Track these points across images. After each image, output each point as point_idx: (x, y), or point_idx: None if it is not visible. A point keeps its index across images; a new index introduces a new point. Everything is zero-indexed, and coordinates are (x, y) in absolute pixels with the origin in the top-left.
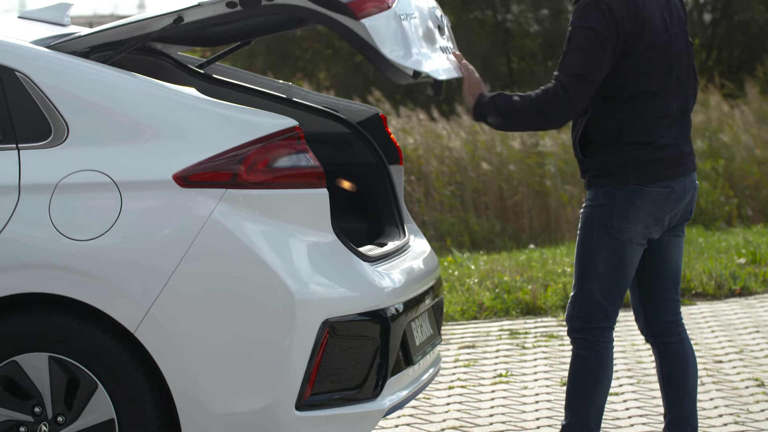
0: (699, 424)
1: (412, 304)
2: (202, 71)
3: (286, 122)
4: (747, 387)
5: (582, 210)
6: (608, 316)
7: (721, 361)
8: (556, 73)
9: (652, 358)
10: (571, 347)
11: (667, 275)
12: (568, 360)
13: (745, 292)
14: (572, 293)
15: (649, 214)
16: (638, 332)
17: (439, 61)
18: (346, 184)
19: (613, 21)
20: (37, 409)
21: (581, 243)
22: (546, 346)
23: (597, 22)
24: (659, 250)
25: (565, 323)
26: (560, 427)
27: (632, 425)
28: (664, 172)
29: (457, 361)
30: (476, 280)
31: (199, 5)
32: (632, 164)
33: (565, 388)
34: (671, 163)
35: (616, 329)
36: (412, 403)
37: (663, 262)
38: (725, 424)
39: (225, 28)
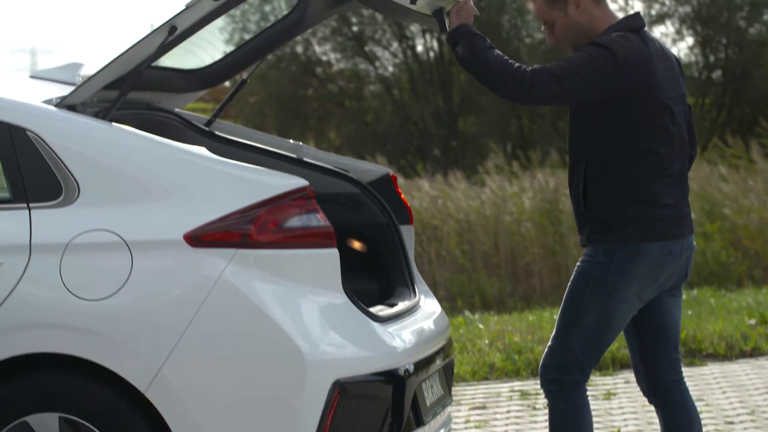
0: None
1: (422, 365)
2: (213, 131)
3: (296, 182)
4: None
5: (578, 264)
6: (583, 371)
7: (732, 423)
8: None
9: None
10: (547, 400)
11: (667, 336)
12: None
13: (756, 353)
14: (550, 343)
15: (646, 275)
16: None
17: None
18: (356, 244)
19: (610, 59)
20: None
21: (571, 296)
22: None
23: (596, 52)
24: (658, 312)
25: (539, 371)
26: None
27: None
28: (665, 232)
29: (467, 422)
30: (487, 341)
31: (187, 8)
32: (635, 221)
33: None
34: (672, 223)
35: (626, 390)
36: None
37: (662, 323)
38: None
39: (222, 64)
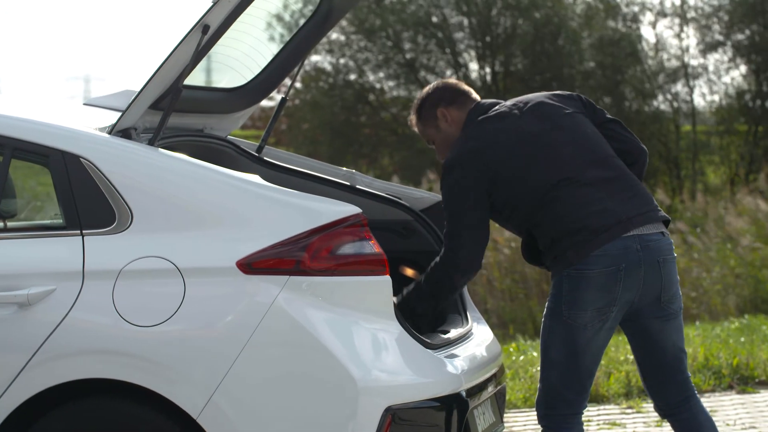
0: None
1: (474, 392)
2: (265, 158)
3: (349, 209)
4: None
5: None
6: (570, 404)
7: None
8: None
9: None
10: None
11: (667, 360)
12: None
13: None
14: (539, 382)
15: (598, 296)
16: None
17: None
18: (409, 272)
19: (460, 166)
20: None
21: (542, 332)
22: None
23: (445, 175)
24: (649, 338)
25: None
26: None
27: None
28: (595, 240)
29: None
30: (539, 368)
31: (214, 4)
32: (568, 247)
33: None
34: (599, 229)
35: None
36: None
37: (659, 349)
38: None
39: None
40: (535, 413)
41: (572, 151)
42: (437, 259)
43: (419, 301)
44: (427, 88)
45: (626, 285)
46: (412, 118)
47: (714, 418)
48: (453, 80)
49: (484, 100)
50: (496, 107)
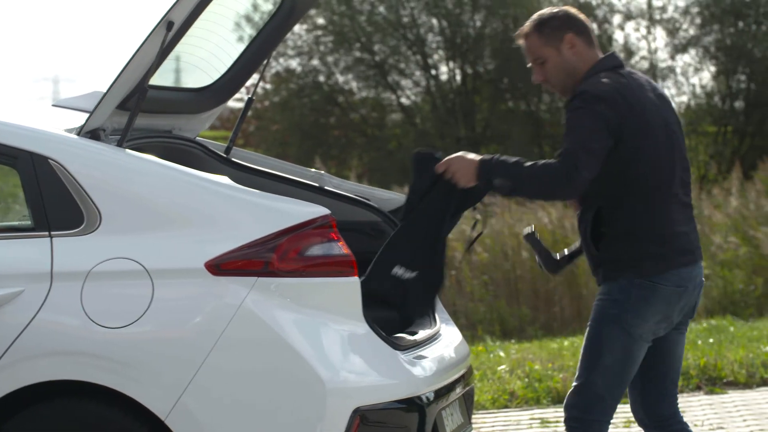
0: None
1: (443, 393)
2: (234, 160)
3: (317, 211)
4: None
5: (595, 303)
6: (606, 411)
7: None
8: (558, 152)
9: None
10: None
11: (670, 371)
12: None
13: None
14: (575, 383)
15: (660, 311)
16: None
17: None
18: None
19: (602, 101)
20: None
21: (592, 335)
22: None
23: (588, 102)
24: (665, 347)
25: (563, 410)
26: None
27: None
28: (677, 260)
29: None
30: (507, 369)
31: (177, 1)
32: (647, 257)
33: None
34: (682, 251)
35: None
36: None
37: (668, 359)
38: None
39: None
40: (563, 413)
41: (681, 164)
42: (554, 163)
43: (506, 174)
44: (551, 9)
45: (681, 306)
46: (526, 31)
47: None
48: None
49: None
50: (634, 74)
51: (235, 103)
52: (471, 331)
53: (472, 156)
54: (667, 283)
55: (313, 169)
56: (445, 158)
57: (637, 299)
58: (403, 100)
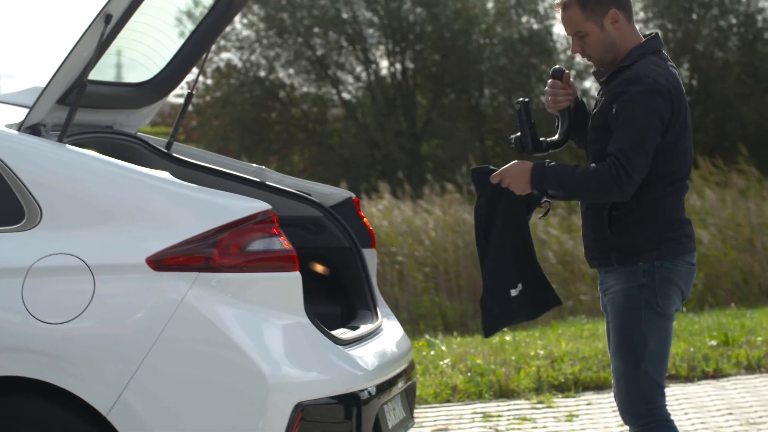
0: None
1: (384, 387)
2: (175, 155)
3: (258, 206)
4: None
5: (616, 291)
6: (663, 393)
7: None
8: (609, 148)
9: None
10: None
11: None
12: None
13: (717, 374)
14: (624, 380)
15: (680, 290)
16: (611, 415)
17: None
18: (319, 268)
19: (660, 94)
20: None
21: (628, 326)
22: (519, 429)
23: (645, 94)
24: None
25: (619, 416)
26: None
27: None
28: (690, 245)
29: None
30: (449, 363)
31: None
32: (667, 240)
33: None
34: (689, 236)
35: (588, 411)
36: None
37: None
38: None
39: (171, 68)
40: (627, 415)
41: (690, 152)
42: (605, 169)
43: (558, 185)
44: None
45: (691, 284)
46: (567, 2)
47: None
48: None
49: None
50: (668, 58)
51: (176, 98)
52: (413, 325)
53: (525, 165)
54: (683, 262)
55: (254, 165)
56: (500, 169)
57: (661, 280)
58: (345, 95)
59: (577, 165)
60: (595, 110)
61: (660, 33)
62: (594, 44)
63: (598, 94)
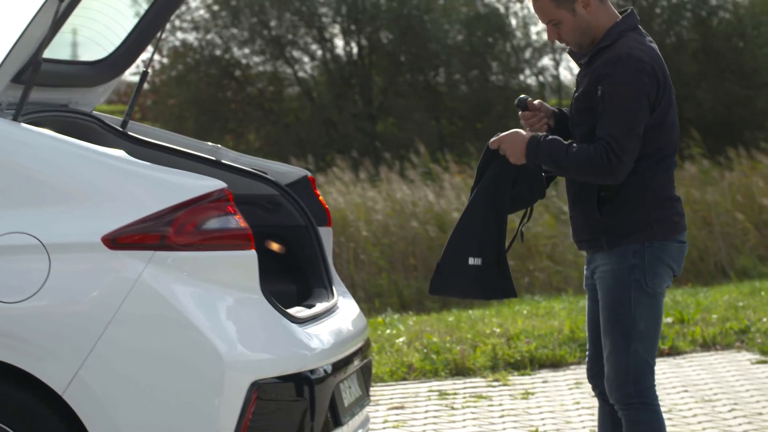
0: None
1: (340, 366)
2: (131, 134)
3: (214, 184)
4: None
5: (605, 272)
6: (653, 371)
7: None
8: (598, 132)
9: (581, 418)
10: (624, 416)
11: None
12: (497, 420)
13: (673, 352)
14: (613, 360)
15: (671, 269)
16: (567, 393)
17: None
18: (274, 246)
19: (646, 73)
20: None
21: (617, 307)
22: (475, 407)
23: (632, 77)
24: None
25: (608, 394)
26: None
27: None
28: (681, 224)
29: (386, 422)
30: (405, 341)
31: None
32: (658, 220)
33: None
34: (680, 214)
35: (544, 389)
36: None
37: None
38: None
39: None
40: (615, 395)
41: (677, 128)
42: (596, 153)
43: (550, 161)
44: None
45: (681, 261)
46: None
47: (579, 391)
48: None
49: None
50: (648, 36)
51: (132, 77)
52: (369, 303)
53: (522, 136)
54: (674, 241)
55: (209, 143)
56: (500, 134)
57: (651, 260)
58: (301, 74)
59: (572, 143)
60: (577, 93)
61: None
62: (569, 30)
63: (579, 76)
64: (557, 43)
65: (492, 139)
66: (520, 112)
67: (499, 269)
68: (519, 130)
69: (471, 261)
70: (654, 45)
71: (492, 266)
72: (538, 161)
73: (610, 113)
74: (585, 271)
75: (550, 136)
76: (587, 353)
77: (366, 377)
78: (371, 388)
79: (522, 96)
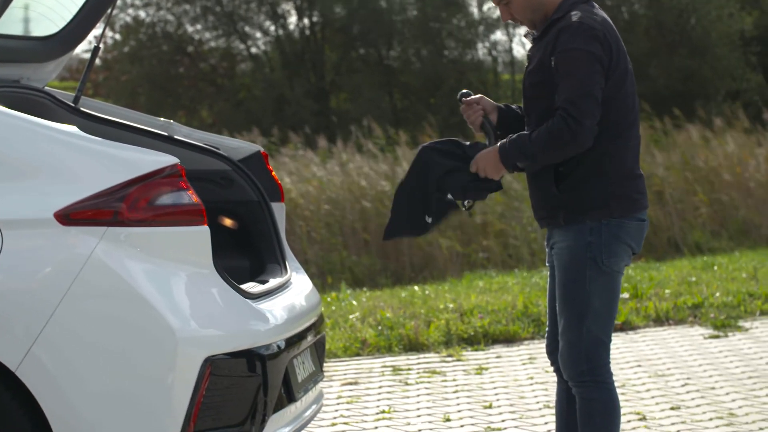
0: None
1: (294, 341)
2: (83, 110)
3: (167, 160)
4: (629, 421)
5: (562, 249)
6: (607, 349)
7: None
8: (556, 101)
9: (534, 393)
10: (577, 392)
11: None
12: (451, 395)
13: (626, 327)
14: (566, 338)
15: (629, 247)
16: (521, 368)
17: None
18: (227, 222)
19: (597, 39)
20: None
21: (572, 285)
22: (429, 382)
23: (583, 43)
24: None
25: (562, 370)
26: None
27: None
28: (642, 202)
29: (339, 397)
30: (359, 317)
31: None
32: (617, 196)
33: (448, 424)
34: (642, 192)
35: (498, 364)
36: None
37: None
38: None
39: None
40: (568, 372)
41: (636, 100)
42: (555, 123)
43: (523, 156)
44: None
45: (641, 239)
46: None
47: (533, 366)
48: None
49: None
50: (600, 9)
51: (85, 53)
52: (321, 279)
53: (492, 150)
54: (633, 219)
55: (162, 119)
56: (473, 161)
57: (608, 238)
58: (253, 49)
59: (534, 130)
60: (530, 67)
61: None
62: (520, 9)
63: (531, 51)
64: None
65: (470, 165)
66: (461, 107)
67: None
68: (486, 149)
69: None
70: (606, 16)
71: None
72: (513, 161)
73: (565, 81)
74: (546, 248)
75: (514, 135)
76: (547, 329)
77: (320, 353)
78: (325, 364)
79: (463, 91)
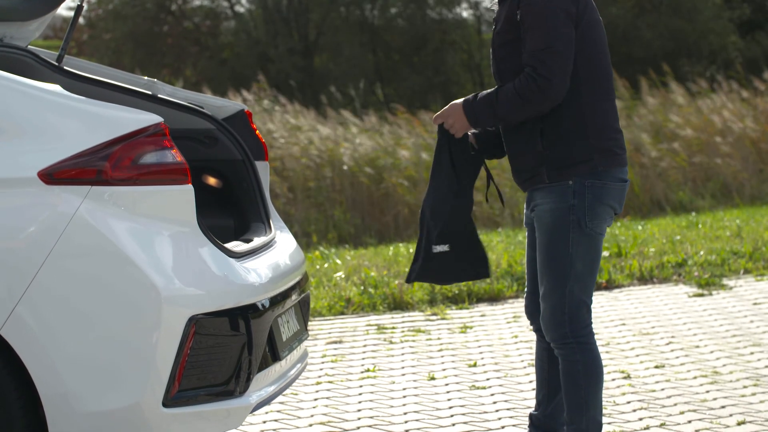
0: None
1: (278, 300)
2: (66, 68)
3: (150, 119)
4: (614, 380)
5: (544, 210)
6: (589, 310)
7: None
8: (523, 58)
9: (519, 352)
10: (560, 354)
11: None
12: (436, 354)
13: (610, 286)
14: (549, 301)
15: (611, 208)
16: (505, 326)
17: None
18: (211, 181)
19: (572, 2)
20: None
21: (554, 248)
22: (413, 341)
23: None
24: None
25: (544, 333)
26: None
27: (499, 418)
28: (623, 157)
29: (324, 356)
30: (343, 276)
31: None
32: (600, 150)
33: (433, 382)
34: (622, 148)
35: (482, 323)
36: (280, 398)
37: None
38: None
39: None
40: (551, 334)
41: (608, 58)
42: (522, 80)
43: (490, 112)
44: None
45: (622, 199)
46: None
47: (517, 324)
48: None
49: None
50: None
51: (68, 12)
52: (306, 238)
53: (458, 103)
54: (615, 180)
55: (146, 77)
56: (440, 111)
57: (591, 200)
58: (237, 8)
59: (500, 89)
60: (497, 27)
61: None
62: None
63: (498, 12)
64: None
65: (434, 116)
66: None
67: (469, 250)
68: (455, 101)
69: (436, 249)
70: None
71: (461, 250)
72: (481, 120)
73: (531, 34)
74: (525, 210)
75: (481, 93)
76: (525, 290)
77: (304, 312)
78: (309, 323)
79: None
